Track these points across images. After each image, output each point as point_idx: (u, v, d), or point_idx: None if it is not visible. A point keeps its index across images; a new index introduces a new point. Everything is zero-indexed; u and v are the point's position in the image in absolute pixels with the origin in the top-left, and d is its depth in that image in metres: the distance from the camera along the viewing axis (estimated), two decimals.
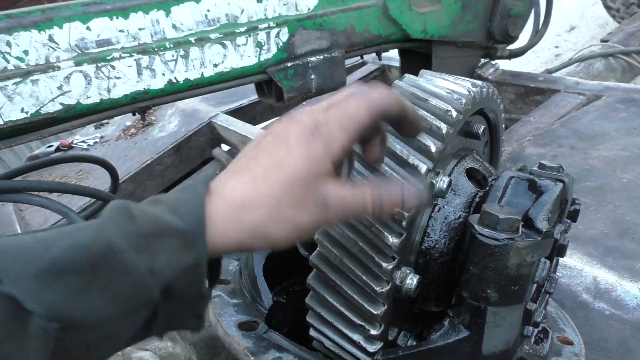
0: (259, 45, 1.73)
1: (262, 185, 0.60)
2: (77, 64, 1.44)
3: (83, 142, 3.01)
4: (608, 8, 4.73)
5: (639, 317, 1.15)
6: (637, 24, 3.30)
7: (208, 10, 1.57)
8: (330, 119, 0.63)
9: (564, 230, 0.82)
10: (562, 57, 5.40)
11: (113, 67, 1.50)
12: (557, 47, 5.82)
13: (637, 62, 3.01)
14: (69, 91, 1.45)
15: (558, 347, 0.89)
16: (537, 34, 2.50)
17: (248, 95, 2.89)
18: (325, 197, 0.61)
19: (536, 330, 0.88)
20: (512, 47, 2.47)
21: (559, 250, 0.84)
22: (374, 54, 2.24)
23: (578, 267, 1.29)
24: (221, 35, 1.63)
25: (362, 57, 3.05)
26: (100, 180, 2.55)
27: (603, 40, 3.33)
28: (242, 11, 1.64)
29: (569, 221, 0.86)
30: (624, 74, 3.02)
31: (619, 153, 1.73)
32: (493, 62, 2.53)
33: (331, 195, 0.61)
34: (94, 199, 2.08)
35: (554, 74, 2.76)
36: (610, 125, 1.90)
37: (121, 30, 1.47)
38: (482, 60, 2.49)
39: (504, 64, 2.58)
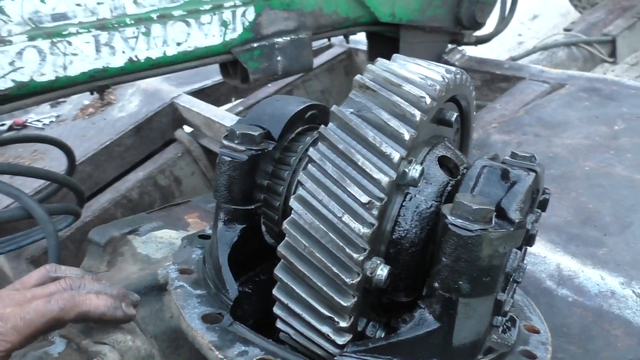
0: (224, 24, 1.68)
1: None
2: (31, 38, 1.36)
3: (38, 121, 2.88)
4: None
5: (600, 303, 1.16)
6: (599, 14, 3.35)
7: None
8: (10, 318, 0.71)
9: (534, 220, 0.81)
10: (525, 44, 5.46)
11: (69, 43, 1.42)
12: (520, 35, 5.88)
13: (599, 52, 3.07)
14: (22, 67, 1.37)
15: (525, 336, 0.90)
16: (504, 21, 2.51)
17: (212, 75, 2.82)
18: None
19: (504, 319, 0.88)
20: (478, 33, 2.48)
21: (528, 239, 0.84)
22: (342, 37, 2.21)
23: (542, 255, 1.30)
24: (185, 13, 1.57)
25: (329, 40, 3.01)
26: (56, 162, 2.45)
27: (566, 30, 3.38)
28: None
29: (539, 211, 0.85)
30: (585, 63, 3.07)
31: (582, 141, 1.76)
32: (460, 48, 2.53)
33: None
34: (49, 182, 2.00)
35: (518, 62, 2.78)
36: (574, 114, 1.92)
37: (78, 4, 1.39)
38: (449, 46, 2.49)
39: (469, 51, 2.58)
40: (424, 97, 0.75)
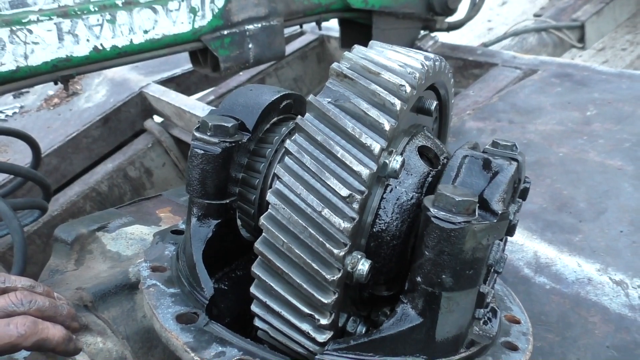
0: (193, 11, 1.63)
1: None
2: None
3: (0, 112, 2.78)
4: None
5: (577, 290, 1.17)
6: (568, 0, 3.38)
7: None
8: None
9: (516, 210, 0.80)
10: (495, 30, 5.50)
11: (30, 31, 1.36)
12: (489, 20, 5.91)
13: (568, 37, 3.09)
14: None
15: (506, 327, 0.89)
16: (475, 7, 2.50)
17: (182, 64, 2.75)
18: None
19: (486, 310, 0.87)
20: (450, 19, 2.47)
21: (509, 229, 0.82)
22: (314, 24, 2.17)
23: (519, 242, 1.30)
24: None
25: (301, 27, 2.97)
26: (20, 155, 2.37)
27: (536, 15, 3.39)
28: None
29: (521, 200, 0.84)
30: (555, 49, 3.10)
31: (555, 127, 1.76)
32: (432, 35, 2.52)
33: None
34: (13, 175, 1.92)
35: (490, 48, 2.78)
36: (546, 100, 1.93)
37: None
38: (422, 33, 2.48)
39: (441, 37, 2.58)
40: (403, 86, 0.72)
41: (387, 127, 0.70)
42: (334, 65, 0.77)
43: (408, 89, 0.73)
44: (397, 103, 0.71)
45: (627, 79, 1.95)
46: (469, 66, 2.41)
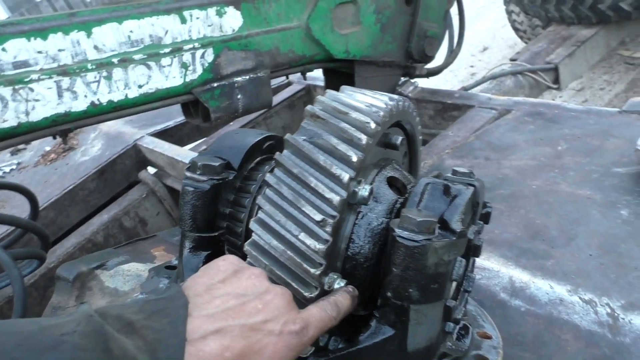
0: (184, 66, 1.74)
1: None
2: None
3: None
4: (516, 30, 5.06)
5: (550, 311, 1.24)
6: (542, 44, 3.56)
7: (131, 31, 1.57)
8: (314, 324, 0.72)
9: (477, 231, 0.88)
10: (477, 75, 5.71)
11: (31, 90, 1.46)
12: (472, 66, 6.14)
13: (543, 79, 3.25)
14: None
15: (478, 342, 0.95)
16: (452, 54, 2.65)
17: (174, 116, 2.87)
18: None
19: (457, 327, 0.94)
20: (429, 66, 2.61)
21: (474, 250, 0.90)
22: (300, 74, 2.29)
23: (495, 269, 1.38)
24: (145, 56, 1.63)
25: (287, 77, 3.11)
26: (18, 209, 2.44)
27: (512, 59, 3.57)
28: (166, 32, 1.65)
29: (482, 223, 0.92)
30: (531, 90, 3.24)
31: (529, 162, 1.87)
32: (412, 81, 2.66)
33: None
34: (13, 227, 1.99)
35: (469, 91, 2.92)
36: (520, 137, 2.04)
37: (39, 52, 1.44)
38: (403, 79, 2.61)
39: (423, 82, 2.71)
40: (369, 123, 0.82)
41: (354, 159, 0.79)
42: (308, 107, 0.87)
43: (373, 125, 0.82)
44: (364, 138, 0.81)
45: (594, 115, 2.07)
46: (448, 109, 2.53)
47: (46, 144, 3.05)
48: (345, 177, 0.78)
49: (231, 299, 0.68)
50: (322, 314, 0.74)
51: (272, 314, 0.68)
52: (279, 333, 0.67)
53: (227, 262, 0.75)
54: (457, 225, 0.79)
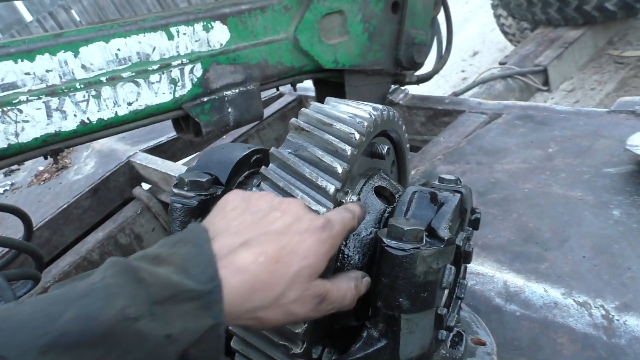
0: (173, 81, 1.75)
1: (274, 269, 0.63)
2: None
3: None
4: (505, 33, 5.09)
5: (545, 314, 1.24)
6: (530, 47, 3.58)
7: (118, 50, 1.57)
8: (336, 219, 0.72)
9: (466, 237, 0.88)
10: (469, 80, 5.74)
11: (20, 111, 1.46)
12: (463, 71, 6.17)
13: (533, 82, 3.26)
14: None
15: (472, 349, 0.95)
16: (441, 60, 2.66)
17: (166, 132, 2.87)
18: (324, 293, 0.69)
19: (451, 334, 0.94)
20: (419, 72, 2.62)
21: (465, 257, 0.90)
22: (290, 85, 2.30)
23: (490, 274, 1.38)
24: (133, 74, 1.63)
25: (277, 89, 3.12)
26: (12, 230, 2.44)
27: (501, 63, 3.59)
28: (154, 49, 1.65)
29: (471, 229, 0.93)
30: (522, 93, 3.26)
31: (520, 165, 1.87)
32: (403, 88, 2.67)
33: (329, 291, 0.70)
34: (7, 249, 1.99)
35: (459, 96, 2.93)
36: (511, 141, 2.05)
37: (27, 73, 1.44)
38: (393, 87, 2.62)
39: (414, 89, 2.72)
40: (353, 134, 0.82)
41: (339, 170, 0.79)
42: (293, 120, 0.87)
43: (357, 136, 0.83)
44: (348, 149, 0.81)
45: (583, 116, 2.08)
46: (439, 115, 2.54)
47: (39, 164, 3.04)
48: (332, 188, 0.78)
49: (248, 216, 0.70)
50: (339, 213, 0.75)
51: (293, 218, 0.70)
52: (306, 230, 0.68)
53: (233, 193, 0.77)
54: (444, 233, 0.79)
